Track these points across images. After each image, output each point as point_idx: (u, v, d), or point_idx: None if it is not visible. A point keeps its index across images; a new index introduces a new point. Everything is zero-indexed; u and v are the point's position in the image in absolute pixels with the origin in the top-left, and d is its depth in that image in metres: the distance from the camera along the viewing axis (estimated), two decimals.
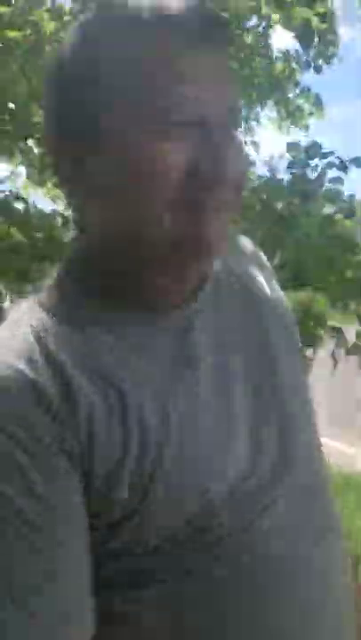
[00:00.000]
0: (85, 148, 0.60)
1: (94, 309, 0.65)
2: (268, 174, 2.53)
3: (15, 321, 0.64)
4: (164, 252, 0.61)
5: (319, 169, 2.29)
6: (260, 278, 0.79)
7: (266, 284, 0.79)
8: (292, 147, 2.32)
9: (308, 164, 2.30)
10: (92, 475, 0.58)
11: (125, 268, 0.65)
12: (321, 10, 3.06)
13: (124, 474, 0.59)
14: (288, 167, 2.34)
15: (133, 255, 0.63)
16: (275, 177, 2.47)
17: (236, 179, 0.60)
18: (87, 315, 0.64)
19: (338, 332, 2.00)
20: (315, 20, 3.26)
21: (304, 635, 0.64)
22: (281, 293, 0.81)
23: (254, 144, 4.06)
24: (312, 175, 2.29)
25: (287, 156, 2.35)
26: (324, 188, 2.28)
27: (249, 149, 3.91)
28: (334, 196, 2.28)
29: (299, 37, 3.35)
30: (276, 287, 0.82)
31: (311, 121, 3.84)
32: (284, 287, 0.87)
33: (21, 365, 0.58)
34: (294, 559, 0.65)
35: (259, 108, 4.05)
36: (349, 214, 2.35)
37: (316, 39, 3.38)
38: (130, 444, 0.59)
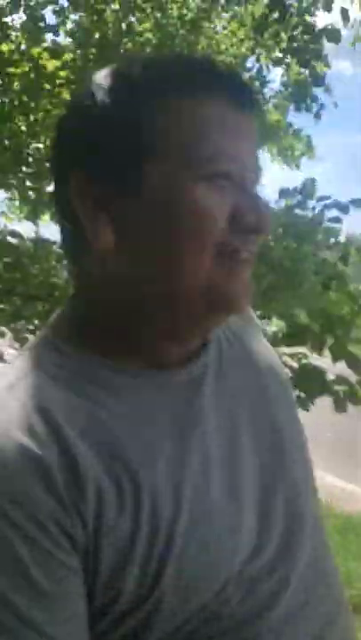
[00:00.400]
0: (121, 190, 0.58)
1: (95, 369, 0.61)
2: None
3: (10, 385, 0.59)
4: (193, 304, 0.59)
5: (316, 210, 2.30)
6: (254, 334, 0.77)
7: (258, 339, 0.77)
8: (284, 193, 2.32)
9: (304, 206, 2.30)
10: (99, 563, 0.53)
11: (138, 321, 0.61)
12: (318, 68, 3.17)
13: (133, 561, 0.54)
14: (285, 212, 2.34)
15: (154, 306, 0.60)
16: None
17: (266, 231, 0.62)
18: (87, 376, 0.60)
19: (345, 381, 1.96)
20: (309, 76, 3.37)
21: None
22: (271, 349, 0.79)
23: None
24: (308, 213, 2.29)
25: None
26: (322, 226, 2.27)
27: None
28: (333, 234, 2.27)
29: (293, 94, 3.47)
30: (266, 343, 0.80)
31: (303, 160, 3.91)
32: (278, 340, 0.85)
33: (23, 438, 0.53)
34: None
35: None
36: (345, 256, 2.34)
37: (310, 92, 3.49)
38: (141, 528, 0.54)
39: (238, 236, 0.59)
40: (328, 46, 3.16)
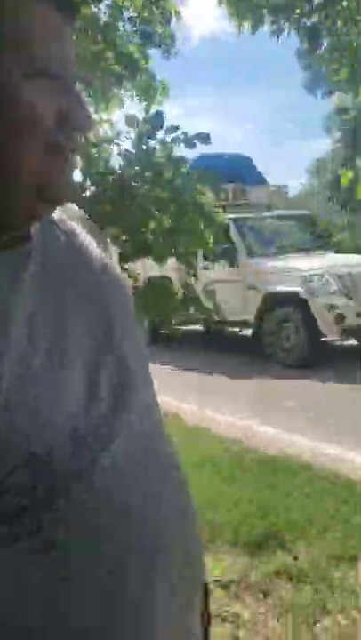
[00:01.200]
0: None
1: None
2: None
3: None
4: (22, 196, 0.63)
5: (165, 142, 2.39)
6: (92, 242, 0.80)
7: (90, 240, 0.80)
8: (129, 120, 2.38)
9: (154, 136, 2.38)
10: None
11: None
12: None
13: None
14: (137, 140, 2.41)
15: None
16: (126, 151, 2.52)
17: (89, 128, 0.67)
18: None
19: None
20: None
21: (155, 571, 0.67)
22: (111, 261, 0.82)
23: (109, 122, 4.12)
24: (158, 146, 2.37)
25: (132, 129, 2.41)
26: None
27: (105, 128, 3.96)
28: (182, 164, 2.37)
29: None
30: (110, 256, 0.83)
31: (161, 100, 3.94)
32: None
33: None
34: (138, 495, 0.67)
35: (115, 89, 4.10)
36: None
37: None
38: None
39: (64, 134, 0.63)
40: None
